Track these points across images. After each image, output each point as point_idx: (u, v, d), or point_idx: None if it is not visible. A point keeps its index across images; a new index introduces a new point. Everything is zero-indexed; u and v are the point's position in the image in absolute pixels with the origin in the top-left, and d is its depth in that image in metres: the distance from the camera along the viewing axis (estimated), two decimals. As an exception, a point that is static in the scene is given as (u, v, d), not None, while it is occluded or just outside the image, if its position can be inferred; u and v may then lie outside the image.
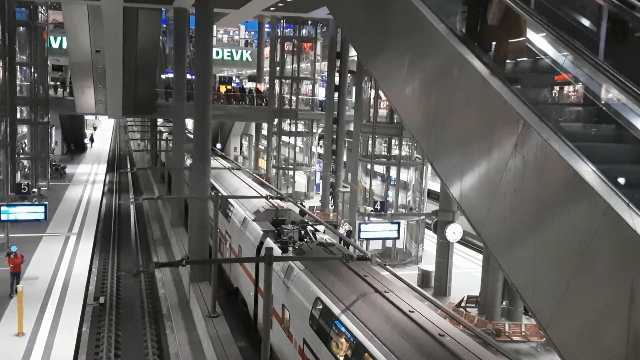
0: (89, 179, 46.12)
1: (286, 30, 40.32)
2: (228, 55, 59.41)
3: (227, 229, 22.48)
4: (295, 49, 39.86)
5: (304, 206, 32.53)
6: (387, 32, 8.93)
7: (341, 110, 35.49)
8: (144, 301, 22.82)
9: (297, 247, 15.99)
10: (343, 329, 11.54)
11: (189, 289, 22.00)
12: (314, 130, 41.27)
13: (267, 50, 50.50)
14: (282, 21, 39.62)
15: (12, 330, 17.44)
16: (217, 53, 56.36)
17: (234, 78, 68.66)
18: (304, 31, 39.48)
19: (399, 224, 24.16)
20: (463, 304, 20.31)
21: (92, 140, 73.10)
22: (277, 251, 15.83)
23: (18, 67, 37.81)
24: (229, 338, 17.45)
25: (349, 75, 37.92)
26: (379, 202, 26.12)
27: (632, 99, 4.73)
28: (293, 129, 40.70)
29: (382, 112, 29.06)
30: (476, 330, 13.18)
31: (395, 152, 27.95)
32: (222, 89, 48.49)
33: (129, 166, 59.97)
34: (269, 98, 41.69)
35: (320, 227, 20.00)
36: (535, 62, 6.53)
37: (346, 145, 38.01)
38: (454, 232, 22.85)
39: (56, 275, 22.85)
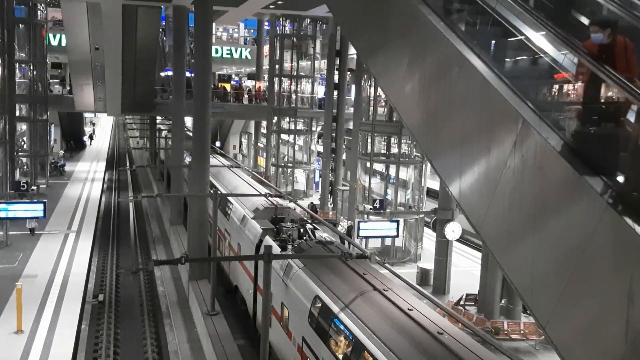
0: (88, 177, 46.11)
1: (286, 29, 40.25)
2: (227, 53, 59.34)
3: (226, 227, 22.47)
4: (294, 47, 39.84)
5: (315, 207, 32.62)
6: (387, 30, 8.93)
7: (340, 108, 35.49)
8: (143, 299, 22.81)
9: (296, 245, 16.00)
10: (342, 327, 11.55)
11: (188, 286, 22.00)
12: (313, 129, 41.25)
13: (266, 49, 50.43)
14: (281, 19, 39.58)
15: (11, 328, 17.44)
16: (217, 51, 56.29)
17: (233, 76, 68.56)
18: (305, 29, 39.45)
19: (398, 222, 24.15)
20: (462, 302, 20.32)
21: (91, 138, 73.04)
22: (276, 249, 15.82)
23: (17, 65, 37.76)
24: (228, 336, 17.46)
25: (349, 73, 37.89)
26: (378, 201, 26.11)
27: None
28: (292, 127, 40.69)
29: (382, 110, 29.06)
30: (475, 328, 13.19)
31: (394, 150, 27.95)
32: (227, 87, 48.34)
33: (128, 164, 59.98)
34: (269, 96, 41.65)
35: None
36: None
37: (345, 143, 38.02)
38: (452, 230, 22.85)
39: (55, 272, 22.85)
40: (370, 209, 26.30)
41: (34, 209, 25.17)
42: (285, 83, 40.40)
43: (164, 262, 18.40)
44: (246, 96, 45.95)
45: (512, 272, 5.84)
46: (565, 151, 4.99)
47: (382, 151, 29.48)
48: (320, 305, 12.66)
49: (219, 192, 21.58)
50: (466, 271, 24.52)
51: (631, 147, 4.85)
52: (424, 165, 27.10)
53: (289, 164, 41.51)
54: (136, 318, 21.05)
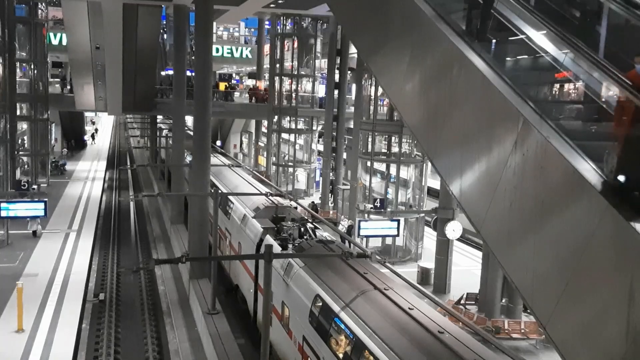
0: (88, 176, 46.11)
1: (286, 28, 40.22)
2: (228, 52, 59.36)
3: (227, 226, 22.48)
4: (295, 46, 39.83)
5: (316, 206, 32.66)
6: (387, 30, 8.92)
7: (341, 107, 35.47)
8: (143, 298, 22.83)
9: (296, 245, 16.00)
10: (342, 326, 11.55)
11: (189, 286, 22.00)
12: (314, 128, 41.26)
13: (267, 48, 50.40)
14: (282, 18, 39.57)
15: (12, 327, 17.45)
16: (217, 50, 56.28)
17: (233, 75, 68.59)
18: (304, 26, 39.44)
19: (398, 221, 24.15)
20: (462, 302, 20.31)
21: (93, 137, 73.05)
22: (276, 248, 15.82)
23: (18, 64, 37.79)
24: (228, 335, 17.46)
25: (349, 72, 37.88)
26: (378, 200, 26.10)
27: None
28: (293, 126, 40.68)
29: (382, 109, 29.03)
30: (475, 327, 13.20)
31: (395, 149, 27.94)
32: (222, 86, 48.31)
33: (128, 163, 59.98)
34: (269, 95, 41.64)
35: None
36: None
37: (346, 142, 37.98)
38: (453, 229, 22.84)
39: (56, 272, 22.85)
40: (371, 208, 26.29)
41: (35, 208, 25.24)
42: (286, 82, 40.38)
43: (165, 261, 18.41)
44: (245, 95, 45.94)
45: (513, 271, 5.84)
46: (606, 190, 4.70)
47: (383, 150, 29.48)
48: (320, 304, 12.66)
49: (220, 191, 21.58)
50: (467, 270, 24.51)
51: None
52: (424, 165, 27.08)
53: (290, 163, 41.50)
54: (137, 317, 21.06)
